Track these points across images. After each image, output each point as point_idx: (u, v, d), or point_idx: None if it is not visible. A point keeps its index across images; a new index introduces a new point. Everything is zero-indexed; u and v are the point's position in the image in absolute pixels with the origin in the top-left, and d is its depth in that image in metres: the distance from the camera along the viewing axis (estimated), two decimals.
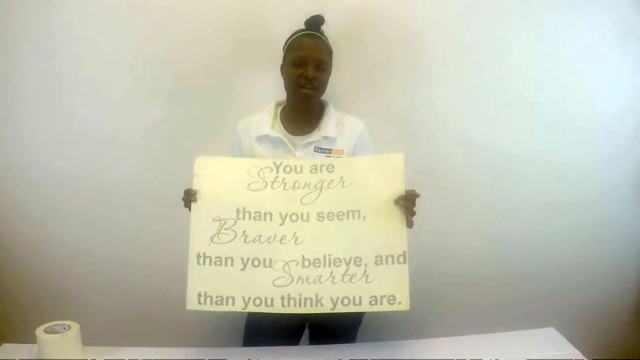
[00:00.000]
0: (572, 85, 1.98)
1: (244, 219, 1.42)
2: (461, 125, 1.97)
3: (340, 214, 1.42)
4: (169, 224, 1.88)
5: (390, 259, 1.37)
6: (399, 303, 1.35)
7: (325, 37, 1.57)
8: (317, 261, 1.40)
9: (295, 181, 1.44)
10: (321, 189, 1.43)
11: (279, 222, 1.42)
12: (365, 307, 1.37)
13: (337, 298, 1.37)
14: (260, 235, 1.41)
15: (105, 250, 1.98)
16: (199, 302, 1.38)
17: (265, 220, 1.42)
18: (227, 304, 1.38)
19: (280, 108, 1.62)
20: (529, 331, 1.59)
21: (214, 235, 1.41)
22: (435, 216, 2.01)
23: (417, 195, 1.38)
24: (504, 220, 2.08)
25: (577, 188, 2.07)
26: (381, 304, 1.36)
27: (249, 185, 1.44)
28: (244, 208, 1.42)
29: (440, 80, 1.93)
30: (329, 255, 1.40)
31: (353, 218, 1.41)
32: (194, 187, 1.43)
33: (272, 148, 1.55)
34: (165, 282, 1.99)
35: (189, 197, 1.41)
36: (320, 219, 1.42)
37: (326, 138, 1.54)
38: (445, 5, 1.88)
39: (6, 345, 1.53)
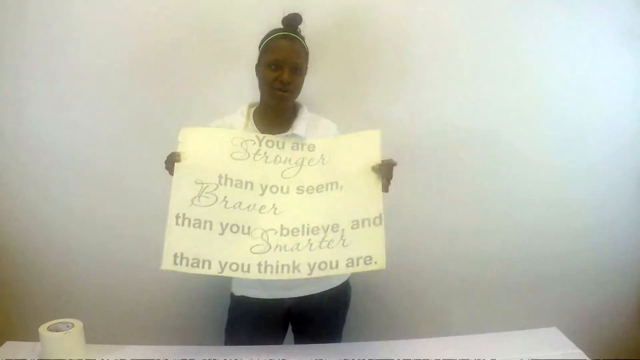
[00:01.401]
0: (575, 84, 1.98)
1: (225, 185, 1.44)
2: (460, 124, 1.97)
3: (319, 187, 1.46)
4: None
5: (366, 222, 1.38)
6: (375, 263, 1.34)
7: (302, 37, 1.54)
8: (295, 230, 1.42)
9: (277, 155, 1.49)
10: (302, 165, 1.49)
11: (259, 193, 1.46)
12: (342, 270, 1.36)
13: (315, 263, 1.37)
14: (241, 203, 1.43)
15: (109, 249, 1.98)
16: (175, 263, 1.36)
17: (245, 188, 1.45)
18: (203, 267, 1.37)
19: (253, 109, 1.61)
20: (531, 331, 1.58)
21: (195, 197, 1.41)
22: (437, 216, 2.03)
23: (394, 164, 1.40)
24: (506, 220, 2.07)
25: (582, 187, 2.07)
26: (357, 265, 1.35)
27: (232, 154, 1.47)
28: (226, 175, 1.44)
29: (429, 81, 1.93)
30: (308, 224, 1.42)
31: (331, 190, 1.45)
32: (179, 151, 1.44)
33: None
34: (170, 281, 2.00)
35: (173, 158, 1.41)
36: (300, 192, 1.46)
37: (296, 137, 1.53)
38: (437, 5, 1.87)
39: (9, 343, 1.53)
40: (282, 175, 1.48)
